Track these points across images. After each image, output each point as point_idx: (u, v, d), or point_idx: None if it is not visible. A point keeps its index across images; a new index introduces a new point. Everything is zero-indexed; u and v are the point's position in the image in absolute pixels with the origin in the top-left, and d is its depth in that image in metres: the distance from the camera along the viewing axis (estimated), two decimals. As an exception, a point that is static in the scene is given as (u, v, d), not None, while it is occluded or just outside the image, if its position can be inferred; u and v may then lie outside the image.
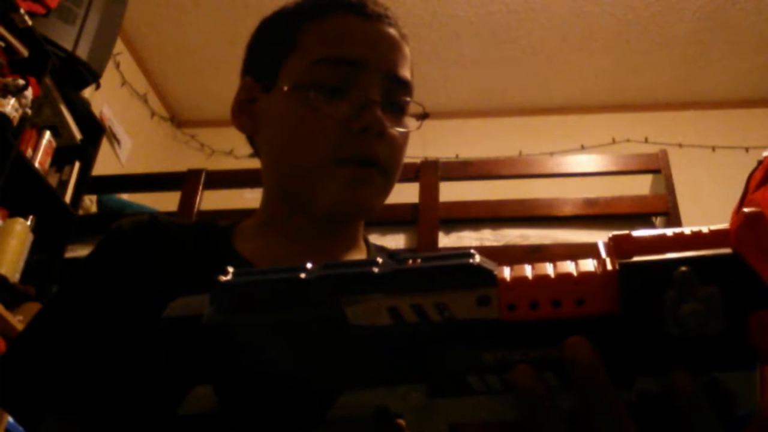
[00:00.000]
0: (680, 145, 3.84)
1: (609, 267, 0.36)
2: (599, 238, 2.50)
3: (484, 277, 0.37)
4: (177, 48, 3.96)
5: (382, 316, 0.37)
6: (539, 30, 3.72)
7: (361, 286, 0.38)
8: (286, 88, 0.75)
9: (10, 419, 2.20)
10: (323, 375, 0.38)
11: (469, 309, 0.37)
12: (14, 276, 2.40)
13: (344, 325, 0.37)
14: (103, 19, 2.86)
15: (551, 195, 2.71)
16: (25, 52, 2.46)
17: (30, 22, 2.44)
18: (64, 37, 2.69)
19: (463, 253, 0.38)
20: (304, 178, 0.74)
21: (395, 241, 2.56)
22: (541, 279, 0.37)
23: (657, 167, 2.67)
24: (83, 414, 0.63)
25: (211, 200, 2.90)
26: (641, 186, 2.81)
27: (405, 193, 2.62)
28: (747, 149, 3.74)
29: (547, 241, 2.51)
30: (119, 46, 3.54)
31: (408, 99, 0.77)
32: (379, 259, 0.39)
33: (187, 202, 2.81)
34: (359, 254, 0.81)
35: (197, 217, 2.75)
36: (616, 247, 0.36)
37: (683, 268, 0.34)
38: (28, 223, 2.51)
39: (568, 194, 2.68)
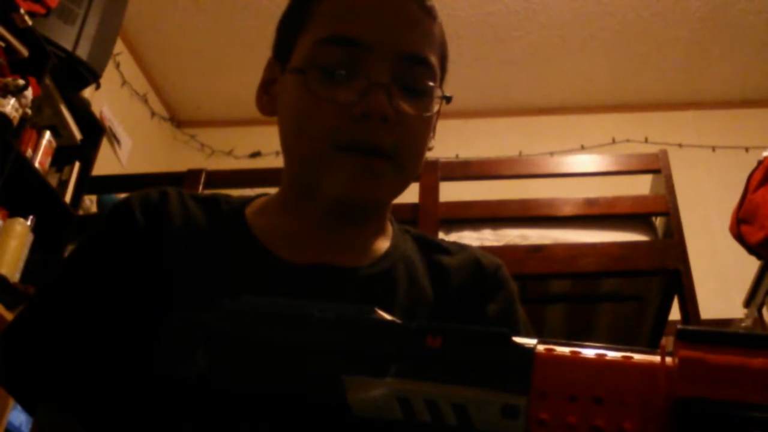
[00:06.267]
0: (680, 145, 3.84)
1: (667, 390, 0.30)
2: (599, 238, 2.51)
3: (515, 380, 0.32)
4: (177, 48, 3.96)
5: (391, 408, 0.33)
6: (539, 30, 3.72)
7: (370, 369, 0.34)
8: (291, 69, 0.70)
9: (11, 417, 2.20)
10: None
11: (491, 420, 0.31)
12: (14, 276, 2.39)
13: (347, 415, 0.34)
14: (103, 19, 2.86)
15: (551, 195, 2.70)
16: (25, 52, 2.45)
17: (30, 22, 2.43)
18: (64, 37, 2.69)
19: (497, 333, 0.33)
20: (308, 165, 0.70)
21: (395, 241, 2.56)
22: (583, 393, 0.31)
23: (657, 167, 2.67)
24: (75, 405, 0.62)
25: (211, 200, 2.89)
26: (641, 186, 2.81)
27: (405, 193, 2.59)
28: (747, 149, 3.74)
29: (547, 241, 2.51)
30: (119, 46, 3.54)
31: (430, 82, 0.70)
32: (400, 322, 0.34)
33: (187, 202, 2.80)
34: (383, 241, 0.76)
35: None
36: (683, 367, 0.30)
37: None
38: (28, 223, 2.51)
39: (568, 194, 2.68)
